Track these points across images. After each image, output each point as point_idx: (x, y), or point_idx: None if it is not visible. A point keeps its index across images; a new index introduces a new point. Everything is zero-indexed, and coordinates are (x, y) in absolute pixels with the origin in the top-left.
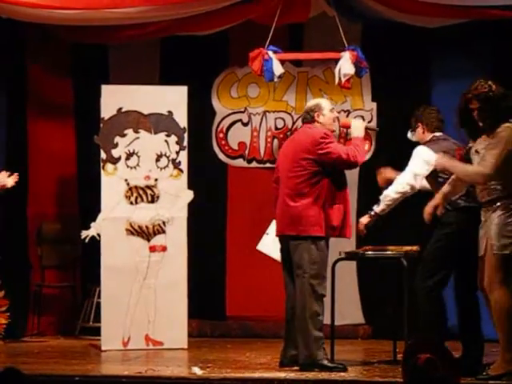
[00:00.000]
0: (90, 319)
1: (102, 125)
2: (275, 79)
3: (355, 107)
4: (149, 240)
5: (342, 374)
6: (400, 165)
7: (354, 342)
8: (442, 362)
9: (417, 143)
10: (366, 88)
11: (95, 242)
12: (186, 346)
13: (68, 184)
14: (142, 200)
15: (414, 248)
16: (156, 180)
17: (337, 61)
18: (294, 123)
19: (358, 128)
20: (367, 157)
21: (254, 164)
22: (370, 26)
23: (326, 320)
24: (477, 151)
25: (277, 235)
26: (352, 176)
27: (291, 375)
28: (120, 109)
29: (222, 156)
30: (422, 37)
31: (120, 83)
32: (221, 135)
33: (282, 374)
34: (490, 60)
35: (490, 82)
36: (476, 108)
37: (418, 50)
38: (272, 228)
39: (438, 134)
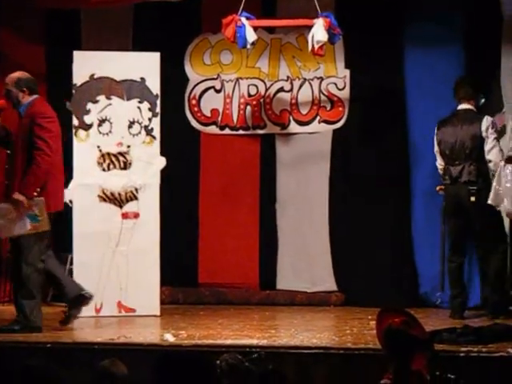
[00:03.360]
0: None
1: (74, 91)
2: (248, 46)
3: (328, 74)
4: (121, 207)
5: (314, 340)
6: (373, 133)
7: (326, 309)
8: (414, 322)
9: None
10: (339, 55)
11: (67, 209)
12: (158, 313)
13: None
14: (115, 167)
15: None
16: (128, 147)
17: (310, 27)
18: (266, 90)
19: None
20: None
21: (226, 131)
22: None
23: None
24: None
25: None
26: (324, 146)
27: (263, 342)
28: (92, 75)
29: (194, 123)
30: (395, 4)
31: (92, 49)
32: (193, 102)
33: (254, 341)
34: (463, 27)
35: None
36: None
37: (391, 16)
38: None
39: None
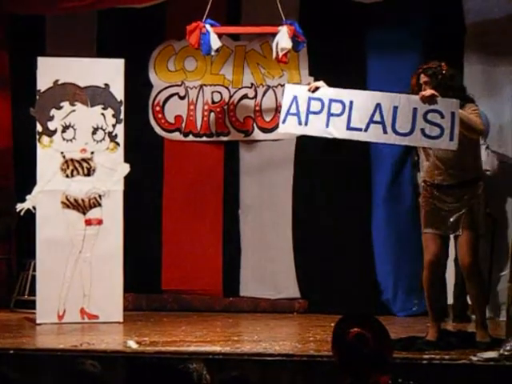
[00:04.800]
0: (25, 292)
1: (38, 97)
2: (212, 53)
3: (292, 81)
4: (84, 213)
5: (277, 347)
6: (336, 140)
7: (289, 316)
8: (374, 337)
9: None
10: (303, 62)
11: (31, 215)
12: (121, 320)
13: (3, 156)
14: (78, 173)
15: None
16: (92, 153)
17: (274, 35)
18: (230, 97)
19: None
20: None
21: (190, 137)
22: (307, 0)
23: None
24: None
25: None
26: (288, 153)
27: (226, 349)
28: (56, 81)
29: (158, 129)
30: (358, 10)
31: (56, 55)
32: (157, 108)
33: (217, 348)
34: (425, 35)
35: (442, 63)
36: (424, 82)
37: (354, 23)
38: None
39: None
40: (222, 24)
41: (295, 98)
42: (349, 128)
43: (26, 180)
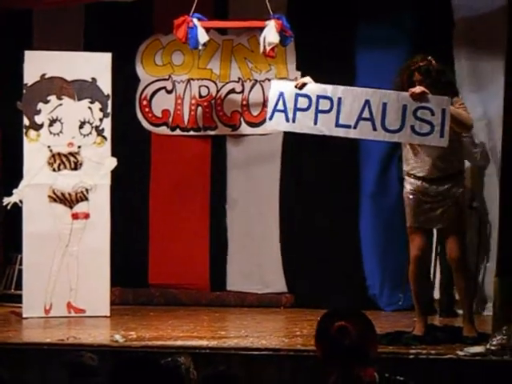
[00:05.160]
0: (11, 286)
1: (24, 91)
2: (200, 47)
3: (280, 76)
4: (71, 207)
5: (264, 342)
6: (323, 134)
7: (276, 310)
8: (357, 330)
9: None
10: (290, 57)
11: (17, 209)
12: (108, 314)
13: None
14: (65, 167)
15: None
16: (79, 147)
17: (262, 29)
18: (218, 91)
19: None
20: None
21: (177, 132)
22: None
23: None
24: None
25: None
26: (275, 147)
27: (213, 343)
28: (43, 75)
29: (145, 123)
30: (347, 6)
31: (44, 49)
32: (144, 102)
33: (204, 342)
34: (415, 31)
35: (429, 57)
36: (418, 81)
37: (342, 19)
38: None
39: None
40: (209, 18)
41: (281, 94)
42: (338, 125)
43: (13, 174)
